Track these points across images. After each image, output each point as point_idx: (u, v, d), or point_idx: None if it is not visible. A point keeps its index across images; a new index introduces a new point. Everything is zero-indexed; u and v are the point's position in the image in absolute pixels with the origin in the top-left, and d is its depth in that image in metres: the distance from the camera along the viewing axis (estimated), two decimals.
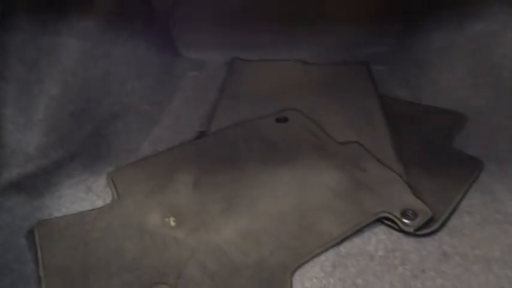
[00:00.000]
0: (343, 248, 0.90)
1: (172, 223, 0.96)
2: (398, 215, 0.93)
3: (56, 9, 1.18)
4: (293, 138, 1.19)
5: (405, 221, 0.92)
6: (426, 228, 0.92)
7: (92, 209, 1.00)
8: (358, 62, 1.57)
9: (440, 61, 1.37)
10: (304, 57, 1.62)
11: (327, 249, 0.90)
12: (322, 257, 0.89)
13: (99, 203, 1.03)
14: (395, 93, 1.42)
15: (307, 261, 0.88)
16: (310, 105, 1.32)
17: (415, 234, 0.91)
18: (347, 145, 1.15)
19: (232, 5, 1.70)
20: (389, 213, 0.94)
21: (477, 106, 1.23)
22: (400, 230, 0.92)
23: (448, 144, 1.18)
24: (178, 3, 1.73)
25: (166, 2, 1.69)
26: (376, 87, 1.44)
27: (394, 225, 0.93)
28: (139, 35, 1.45)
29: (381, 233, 0.93)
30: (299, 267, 0.87)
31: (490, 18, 1.24)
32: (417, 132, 1.23)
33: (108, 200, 1.04)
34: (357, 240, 0.92)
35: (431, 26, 1.44)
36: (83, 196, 1.05)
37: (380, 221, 0.95)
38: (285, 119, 1.27)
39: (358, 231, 0.93)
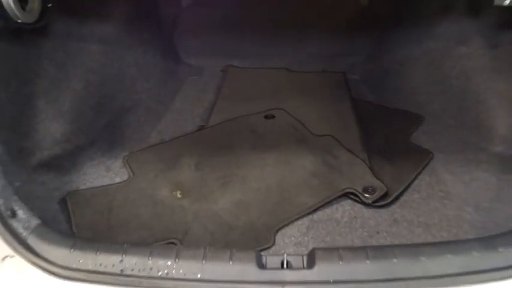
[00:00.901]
0: (316, 215, 1.14)
1: (179, 195, 1.19)
2: (360, 191, 1.17)
3: (80, 19, 1.39)
4: (278, 131, 1.43)
5: (366, 195, 1.16)
6: (382, 201, 1.16)
7: (112, 184, 1.22)
8: (335, 72, 1.82)
9: (402, 71, 1.63)
10: (288, 65, 1.86)
11: (302, 216, 1.13)
12: (299, 222, 1.12)
13: (117, 180, 1.25)
14: (366, 98, 1.67)
15: (287, 224, 1.10)
16: (293, 106, 1.56)
17: (373, 205, 1.15)
18: (322, 137, 1.39)
19: (226, 21, 1.96)
20: (354, 189, 1.17)
21: (431, 109, 1.48)
22: (362, 202, 1.16)
23: (406, 139, 1.42)
24: (180, 19, 1.97)
25: (170, 16, 1.94)
26: (349, 92, 1.68)
27: (357, 199, 1.17)
28: (148, 43, 1.68)
29: (346, 204, 1.17)
30: (280, 228, 1.09)
31: (441, 37, 1.50)
32: (382, 129, 1.48)
33: (125, 177, 1.26)
34: (327, 210, 1.15)
35: (395, 43, 1.70)
36: (103, 174, 1.26)
37: (346, 195, 1.18)
38: (272, 116, 1.51)
39: (328, 202, 1.16)
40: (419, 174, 1.27)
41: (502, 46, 1.32)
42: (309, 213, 1.13)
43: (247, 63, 1.88)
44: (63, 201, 1.14)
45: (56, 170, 1.23)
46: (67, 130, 1.32)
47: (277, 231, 1.08)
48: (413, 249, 0.79)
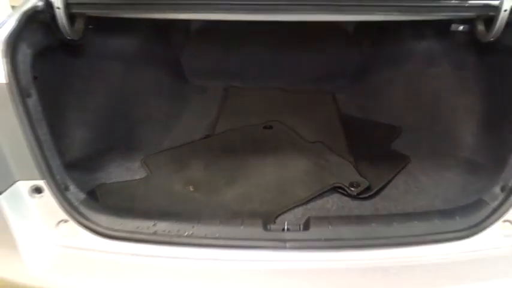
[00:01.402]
0: (309, 205, 1.33)
1: (191, 189, 1.38)
2: (347, 185, 1.37)
3: (105, 40, 1.62)
4: (275, 139, 1.64)
5: (352, 188, 1.36)
6: (365, 194, 1.36)
7: (133, 180, 1.41)
8: (325, 91, 2.06)
9: (384, 90, 1.87)
10: (283, 86, 2.10)
11: (298, 206, 1.32)
12: (295, 210, 1.31)
13: (137, 177, 1.44)
14: (352, 113, 1.90)
15: (285, 212, 1.29)
16: (288, 119, 1.78)
17: (358, 197, 1.35)
18: (314, 144, 1.60)
19: (228, 47, 2.20)
20: (341, 183, 1.37)
21: (408, 121, 1.72)
22: (348, 195, 1.36)
23: (387, 146, 1.64)
24: (187, 43, 2.22)
25: (179, 41, 2.18)
26: (338, 110, 1.92)
27: (344, 192, 1.37)
28: (160, 64, 1.91)
29: (335, 197, 1.36)
30: (279, 214, 1.28)
31: (416, 60, 1.75)
32: (366, 138, 1.70)
33: (143, 175, 1.45)
34: (319, 201, 1.35)
35: (376, 65, 1.96)
36: (124, 173, 1.45)
37: (335, 189, 1.38)
38: (270, 127, 1.72)
39: (320, 195, 1.36)
40: (397, 174, 1.48)
41: (465, 68, 1.57)
42: (303, 204, 1.33)
43: (246, 84, 2.11)
44: (92, 192, 1.32)
45: (84, 169, 1.42)
46: (91, 136, 1.52)
47: (277, 217, 1.27)
48: (388, 217, 0.99)
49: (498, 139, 1.28)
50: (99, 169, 1.45)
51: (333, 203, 1.34)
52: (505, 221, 0.96)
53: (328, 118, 1.84)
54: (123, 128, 1.62)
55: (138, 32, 1.73)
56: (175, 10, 1.15)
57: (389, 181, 1.43)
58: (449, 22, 1.35)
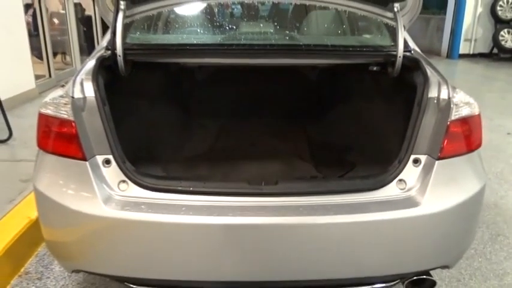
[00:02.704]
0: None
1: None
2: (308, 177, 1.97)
3: (142, 78, 2.23)
4: (258, 151, 2.26)
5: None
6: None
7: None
8: (298, 123, 2.71)
9: (338, 122, 2.53)
10: (264, 123, 2.73)
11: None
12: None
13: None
14: (317, 137, 2.54)
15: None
16: (269, 141, 2.40)
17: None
18: (288, 154, 2.23)
19: (224, 95, 2.87)
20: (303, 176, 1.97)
21: (358, 142, 2.34)
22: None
23: (339, 157, 2.25)
24: (194, 90, 2.89)
25: (187, 87, 2.85)
26: (307, 136, 2.55)
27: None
28: (173, 103, 2.56)
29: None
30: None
31: (360, 98, 2.42)
32: (325, 151, 2.32)
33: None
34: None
35: (334, 104, 2.63)
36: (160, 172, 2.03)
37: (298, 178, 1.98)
38: (254, 144, 2.35)
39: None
40: (345, 173, 2.08)
41: (394, 103, 2.20)
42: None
43: (238, 122, 2.75)
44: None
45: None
46: (131, 148, 2.11)
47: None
48: (327, 179, 1.59)
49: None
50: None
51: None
52: (399, 180, 1.56)
53: (299, 141, 2.47)
54: (143, 148, 2.21)
55: (159, 77, 2.40)
56: (198, 56, 1.82)
57: (340, 176, 2.03)
58: (368, 65, 2.03)
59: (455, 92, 1.65)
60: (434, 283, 1.67)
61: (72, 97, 1.53)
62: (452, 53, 10.02)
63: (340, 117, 2.50)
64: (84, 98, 1.55)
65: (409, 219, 1.47)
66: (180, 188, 1.51)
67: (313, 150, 2.28)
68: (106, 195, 1.49)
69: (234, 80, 2.59)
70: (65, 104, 1.53)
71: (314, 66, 2.63)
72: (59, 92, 1.62)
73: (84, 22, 8.20)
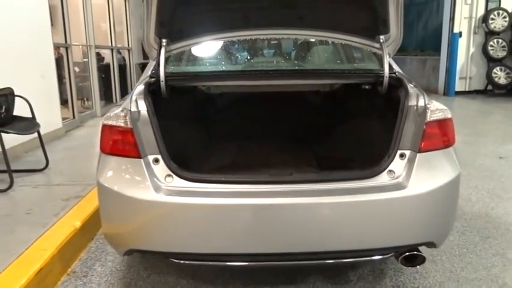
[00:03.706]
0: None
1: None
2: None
3: (176, 101, 2.67)
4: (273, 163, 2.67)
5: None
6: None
7: None
8: (305, 142, 3.13)
9: (339, 138, 2.95)
10: (277, 142, 3.16)
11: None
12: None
13: None
14: (322, 154, 2.96)
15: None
16: (281, 158, 2.81)
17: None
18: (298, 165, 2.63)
19: (239, 118, 3.31)
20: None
21: (357, 154, 2.75)
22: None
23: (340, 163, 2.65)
24: (214, 117, 3.34)
25: (208, 113, 3.30)
26: (315, 154, 2.96)
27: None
28: (198, 126, 3.01)
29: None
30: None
31: (357, 116, 2.85)
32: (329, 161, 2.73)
33: None
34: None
35: (336, 124, 3.06)
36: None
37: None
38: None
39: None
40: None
41: (385, 116, 2.63)
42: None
43: (253, 143, 3.18)
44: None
45: None
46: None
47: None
48: (329, 171, 1.99)
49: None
50: None
51: None
52: (389, 170, 1.95)
53: (307, 155, 2.88)
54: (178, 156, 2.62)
55: (189, 102, 2.86)
56: (222, 79, 2.29)
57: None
58: (362, 85, 2.49)
59: (431, 102, 2.08)
60: (424, 259, 2.02)
61: (130, 110, 1.98)
62: (448, 90, 10.57)
63: (342, 134, 2.92)
64: (139, 111, 1.99)
65: (398, 199, 1.86)
66: (214, 178, 1.92)
67: (319, 160, 2.69)
68: (156, 185, 1.89)
69: (249, 106, 3.05)
70: (125, 116, 1.97)
71: (317, 91, 3.09)
72: (117, 109, 2.07)
73: (103, 70, 8.89)
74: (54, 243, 2.60)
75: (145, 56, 10.41)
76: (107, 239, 2.16)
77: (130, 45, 10.05)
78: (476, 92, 10.67)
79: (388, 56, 2.27)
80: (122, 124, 1.96)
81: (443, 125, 2.01)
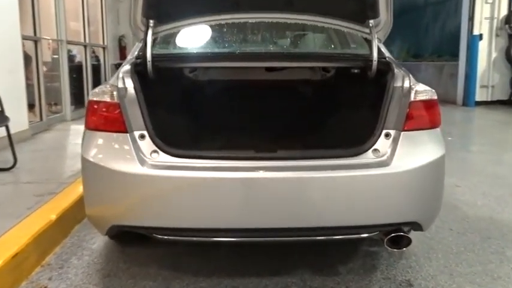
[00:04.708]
0: None
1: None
2: None
3: (161, 83, 3.10)
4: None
5: None
6: None
7: None
8: None
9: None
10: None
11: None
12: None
13: None
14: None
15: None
16: None
17: None
18: None
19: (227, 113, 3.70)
20: None
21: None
22: None
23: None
24: (202, 106, 3.72)
25: (196, 103, 3.70)
26: None
27: None
28: (185, 111, 3.40)
29: None
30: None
31: (352, 97, 3.26)
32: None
33: None
34: None
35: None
36: None
37: None
38: None
39: None
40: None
41: (374, 101, 3.03)
42: None
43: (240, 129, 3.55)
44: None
45: None
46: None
47: None
48: (317, 148, 2.39)
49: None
50: None
51: None
52: (374, 149, 2.35)
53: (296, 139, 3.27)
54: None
55: (175, 87, 3.25)
56: (211, 60, 2.70)
57: None
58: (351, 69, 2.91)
59: (417, 83, 2.49)
60: (410, 240, 2.40)
61: (117, 86, 2.37)
62: (468, 100, 11.06)
63: (331, 120, 3.30)
64: (125, 88, 2.38)
65: (380, 176, 2.25)
66: (200, 154, 2.31)
67: (307, 142, 3.04)
68: (142, 159, 2.27)
69: (238, 95, 3.44)
70: (111, 91, 2.37)
71: (308, 80, 3.51)
72: (103, 86, 2.47)
73: (75, 70, 9.27)
74: (29, 232, 2.94)
75: (122, 56, 10.89)
76: (90, 219, 2.52)
77: (105, 43, 10.52)
78: (500, 103, 11.15)
79: (376, 41, 2.69)
80: (109, 99, 2.35)
81: (428, 105, 2.42)
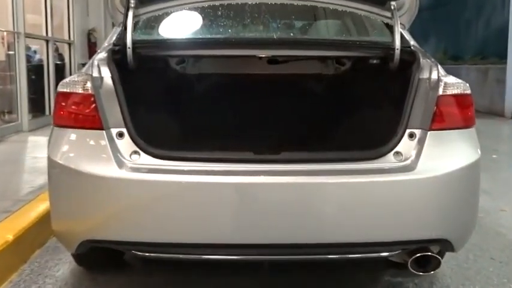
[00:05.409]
0: None
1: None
2: None
3: (142, 73, 3.23)
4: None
5: None
6: None
7: None
8: None
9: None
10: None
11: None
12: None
13: None
14: None
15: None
16: None
17: None
18: None
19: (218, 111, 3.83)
20: None
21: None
22: None
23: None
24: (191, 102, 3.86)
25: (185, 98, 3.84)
26: None
27: None
28: (170, 107, 3.54)
29: None
30: None
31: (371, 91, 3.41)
32: None
33: None
34: None
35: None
36: None
37: None
38: None
39: None
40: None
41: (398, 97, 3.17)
42: None
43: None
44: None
45: None
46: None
47: None
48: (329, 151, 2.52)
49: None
50: None
51: None
52: (395, 152, 2.48)
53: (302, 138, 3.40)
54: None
55: (161, 80, 3.38)
56: (199, 47, 2.84)
57: None
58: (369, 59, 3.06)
59: (447, 76, 2.63)
60: (439, 262, 2.51)
61: (92, 76, 2.51)
62: None
63: (347, 119, 3.40)
64: (101, 77, 2.52)
65: (403, 182, 2.38)
66: (184, 156, 2.43)
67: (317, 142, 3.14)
68: (120, 161, 2.40)
69: (233, 92, 3.57)
70: (85, 81, 2.50)
71: (319, 75, 3.65)
72: (75, 75, 2.61)
73: (34, 70, 9.41)
74: None
75: (91, 54, 11.07)
76: (57, 235, 2.64)
77: (72, 38, 10.73)
78: None
79: (399, 26, 2.84)
80: (81, 91, 2.49)
81: (460, 100, 2.56)
